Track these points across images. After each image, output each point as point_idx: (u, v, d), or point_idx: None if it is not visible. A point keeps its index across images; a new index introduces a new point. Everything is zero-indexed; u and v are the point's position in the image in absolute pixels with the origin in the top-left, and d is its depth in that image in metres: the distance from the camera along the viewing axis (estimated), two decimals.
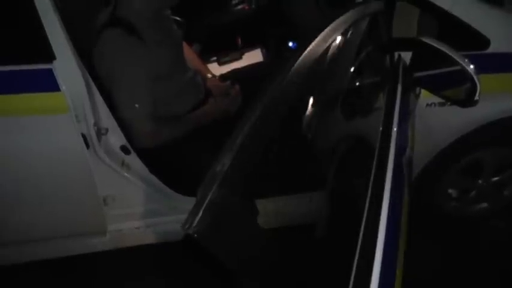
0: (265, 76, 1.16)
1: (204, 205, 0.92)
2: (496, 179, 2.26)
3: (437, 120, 1.92)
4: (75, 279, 2.04)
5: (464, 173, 2.20)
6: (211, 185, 0.96)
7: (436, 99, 1.82)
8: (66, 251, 1.92)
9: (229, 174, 0.98)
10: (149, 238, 2.00)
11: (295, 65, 1.16)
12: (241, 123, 1.06)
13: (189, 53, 2.24)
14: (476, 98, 1.37)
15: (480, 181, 2.26)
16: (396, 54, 1.59)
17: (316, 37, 1.21)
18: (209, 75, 2.25)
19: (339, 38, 1.33)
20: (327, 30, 1.24)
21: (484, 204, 2.35)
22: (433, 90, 1.58)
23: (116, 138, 1.77)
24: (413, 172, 1.92)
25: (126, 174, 1.81)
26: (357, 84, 1.60)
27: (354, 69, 1.51)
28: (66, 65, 1.52)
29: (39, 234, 1.83)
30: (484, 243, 2.28)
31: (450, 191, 2.28)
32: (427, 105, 1.87)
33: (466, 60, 1.37)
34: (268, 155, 1.17)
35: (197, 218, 0.90)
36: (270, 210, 1.98)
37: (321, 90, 1.48)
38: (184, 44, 2.15)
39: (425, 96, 1.73)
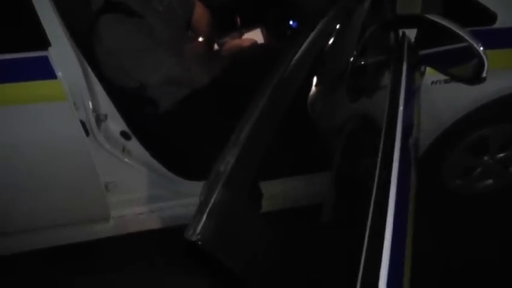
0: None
1: (208, 209, 0.88)
2: (501, 155, 2.24)
3: (442, 98, 1.89)
4: (79, 266, 2.03)
5: (470, 151, 2.18)
6: (214, 186, 0.91)
7: (441, 77, 1.79)
8: (69, 238, 1.91)
9: (234, 174, 0.93)
10: (152, 223, 1.99)
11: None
12: (245, 116, 1.02)
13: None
14: (484, 75, 1.33)
15: (485, 158, 2.24)
16: (401, 32, 1.56)
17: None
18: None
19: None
20: None
21: (490, 181, 2.34)
22: (439, 68, 1.55)
23: (116, 124, 1.75)
24: (419, 151, 1.90)
25: (127, 160, 1.80)
26: (362, 63, 1.57)
27: (359, 48, 1.48)
28: (61, 51, 1.49)
29: (42, 223, 1.83)
30: (489, 219, 2.26)
31: (455, 168, 2.26)
32: (432, 83, 1.84)
33: (473, 37, 1.33)
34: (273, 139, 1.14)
35: (201, 224, 0.86)
36: (275, 192, 1.97)
37: (326, 70, 1.45)
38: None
39: (430, 74, 1.70)
